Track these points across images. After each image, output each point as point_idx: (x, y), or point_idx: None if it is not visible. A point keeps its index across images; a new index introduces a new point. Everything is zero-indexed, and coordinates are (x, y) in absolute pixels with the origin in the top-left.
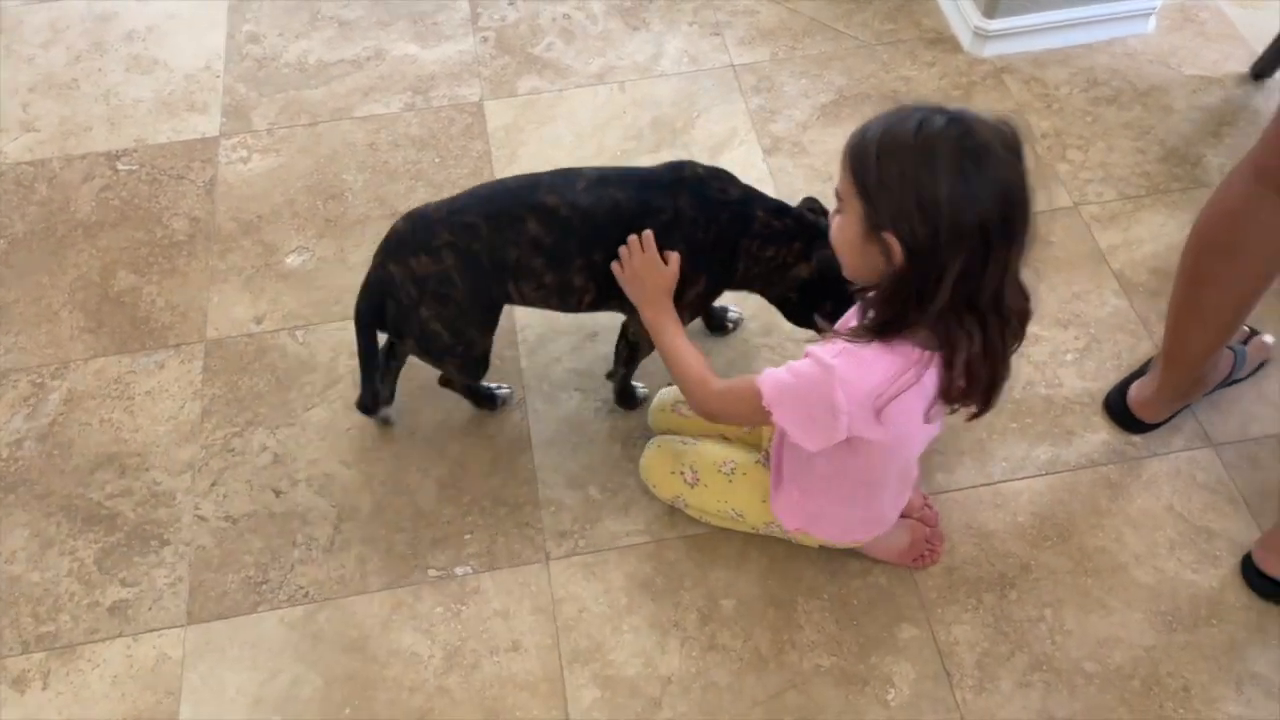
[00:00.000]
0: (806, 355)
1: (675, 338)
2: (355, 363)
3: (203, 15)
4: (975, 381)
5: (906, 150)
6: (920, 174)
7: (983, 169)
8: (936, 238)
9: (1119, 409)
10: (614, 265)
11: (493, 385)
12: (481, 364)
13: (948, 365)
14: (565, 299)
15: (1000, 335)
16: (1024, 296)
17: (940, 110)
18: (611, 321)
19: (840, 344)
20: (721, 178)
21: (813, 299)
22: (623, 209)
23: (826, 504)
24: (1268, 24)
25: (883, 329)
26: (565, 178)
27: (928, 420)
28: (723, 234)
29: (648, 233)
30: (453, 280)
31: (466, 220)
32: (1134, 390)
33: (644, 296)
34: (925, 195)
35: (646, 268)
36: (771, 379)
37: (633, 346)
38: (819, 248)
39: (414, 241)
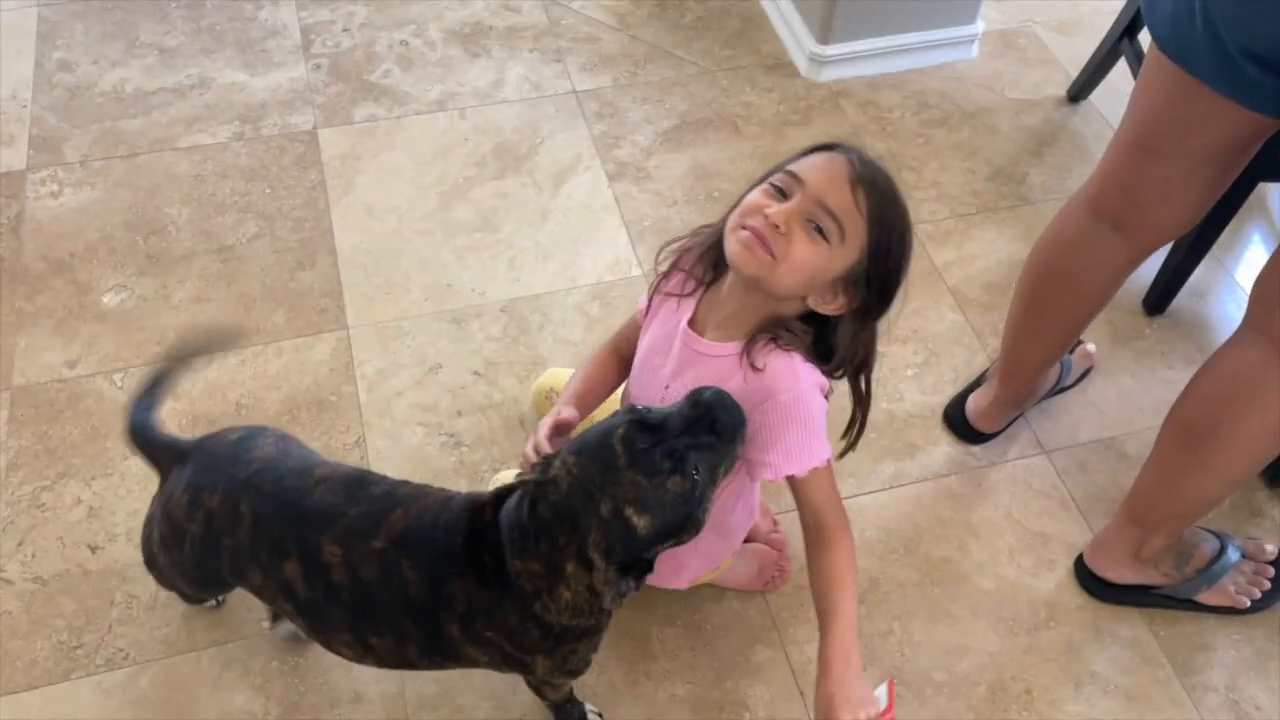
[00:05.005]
0: (804, 398)
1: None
2: (179, 406)
3: (8, 43)
4: None
5: (903, 207)
6: (906, 231)
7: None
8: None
9: (958, 420)
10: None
11: None
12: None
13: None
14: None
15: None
16: None
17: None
18: (455, 350)
19: (800, 361)
20: None
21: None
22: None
23: (714, 541)
24: (1082, 49)
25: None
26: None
27: None
28: None
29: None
30: (187, 538)
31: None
32: (971, 402)
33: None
34: (906, 251)
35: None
36: (821, 452)
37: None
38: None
39: (208, 470)
